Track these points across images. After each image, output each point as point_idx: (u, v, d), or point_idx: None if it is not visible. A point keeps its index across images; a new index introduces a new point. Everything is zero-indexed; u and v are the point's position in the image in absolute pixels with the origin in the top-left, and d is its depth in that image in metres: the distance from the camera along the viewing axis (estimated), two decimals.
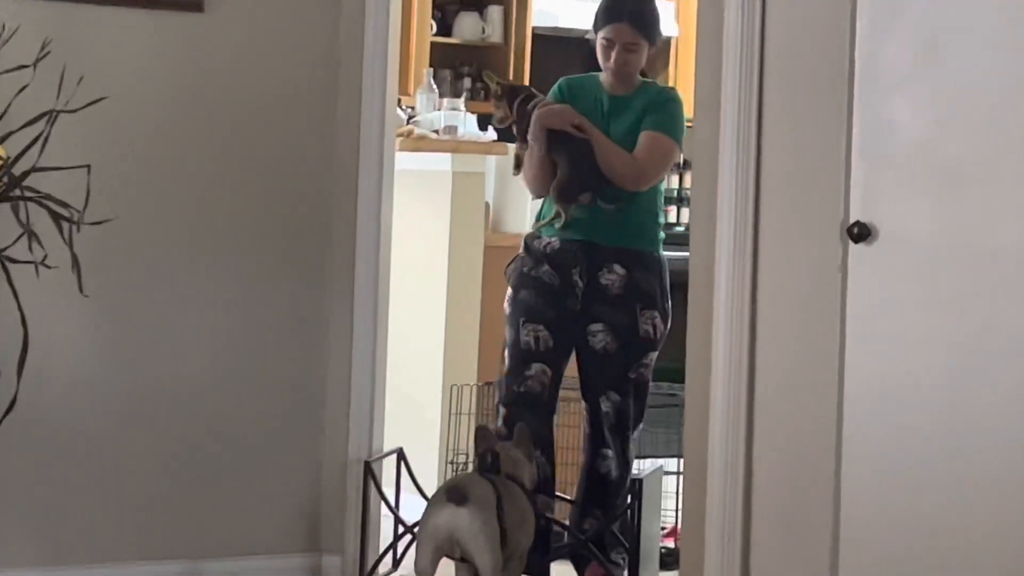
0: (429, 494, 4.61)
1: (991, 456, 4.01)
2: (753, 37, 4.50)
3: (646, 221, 5.13)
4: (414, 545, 4.53)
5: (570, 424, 5.52)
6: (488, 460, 4.55)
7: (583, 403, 5.20)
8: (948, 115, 4.16)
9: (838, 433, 4.31)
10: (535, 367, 5.04)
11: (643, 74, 5.21)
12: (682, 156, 5.28)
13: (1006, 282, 4.00)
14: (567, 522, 5.17)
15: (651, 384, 5.22)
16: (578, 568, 5.14)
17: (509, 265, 5.20)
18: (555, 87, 5.26)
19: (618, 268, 5.04)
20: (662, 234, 5.20)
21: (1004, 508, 3.97)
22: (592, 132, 5.08)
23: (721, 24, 4.54)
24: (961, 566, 4.06)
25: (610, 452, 5.11)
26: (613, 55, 5.07)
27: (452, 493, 4.33)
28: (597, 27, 5.13)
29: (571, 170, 5.09)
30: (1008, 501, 3.96)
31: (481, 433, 4.66)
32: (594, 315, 5.06)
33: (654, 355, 5.10)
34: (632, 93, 5.14)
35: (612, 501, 5.08)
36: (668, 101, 5.13)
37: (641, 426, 5.18)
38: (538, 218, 5.25)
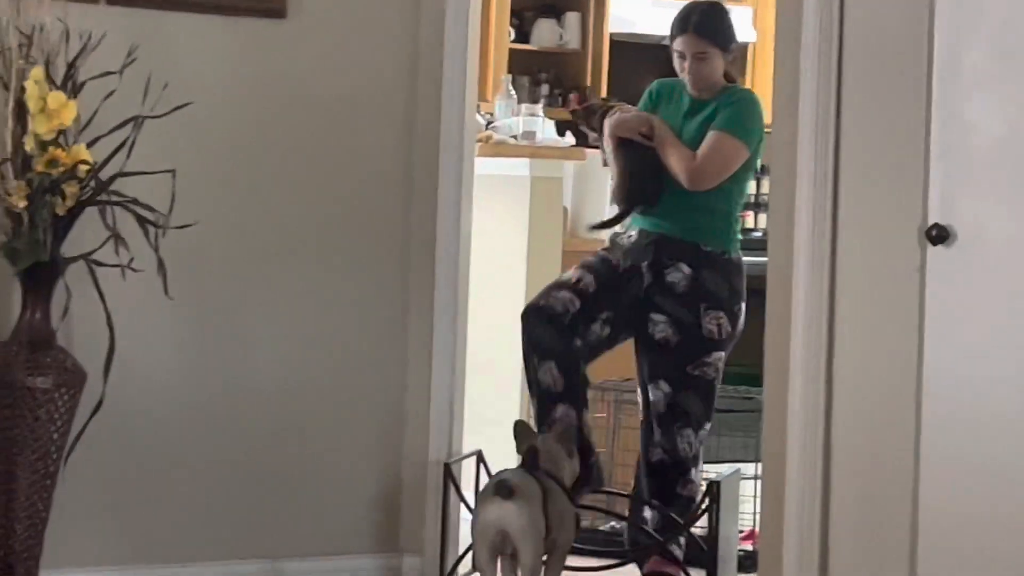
0: None
1: None
2: (831, 40, 4.51)
3: (716, 221, 5.12)
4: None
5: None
6: (528, 458, 4.57)
7: (639, 392, 5.22)
8: None
9: (916, 436, 4.31)
10: (565, 294, 5.07)
11: (731, 79, 5.25)
12: (759, 161, 5.27)
13: None
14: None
15: (729, 388, 5.23)
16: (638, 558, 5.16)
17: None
18: (647, 90, 5.34)
19: (684, 267, 5.06)
20: (738, 236, 5.20)
21: None
22: (660, 135, 5.12)
23: (799, 28, 4.55)
24: None
25: (658, 439, 5.13)
26: (685, 66, 5.14)
27: (500, 488, 4.37)
28: (671, 39, 5.20)
29: (629, 178, 5.16)
30: None
31: (520, 428, 4.70)
32: (657, 306, 5.07)
33: (719, 355, 5.08)
34: (711, 97, 5.16)
35: (665, 488, 5.11)
36: (738, 101, 5.13)
37: (708, 426, 5.15)
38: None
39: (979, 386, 4.21)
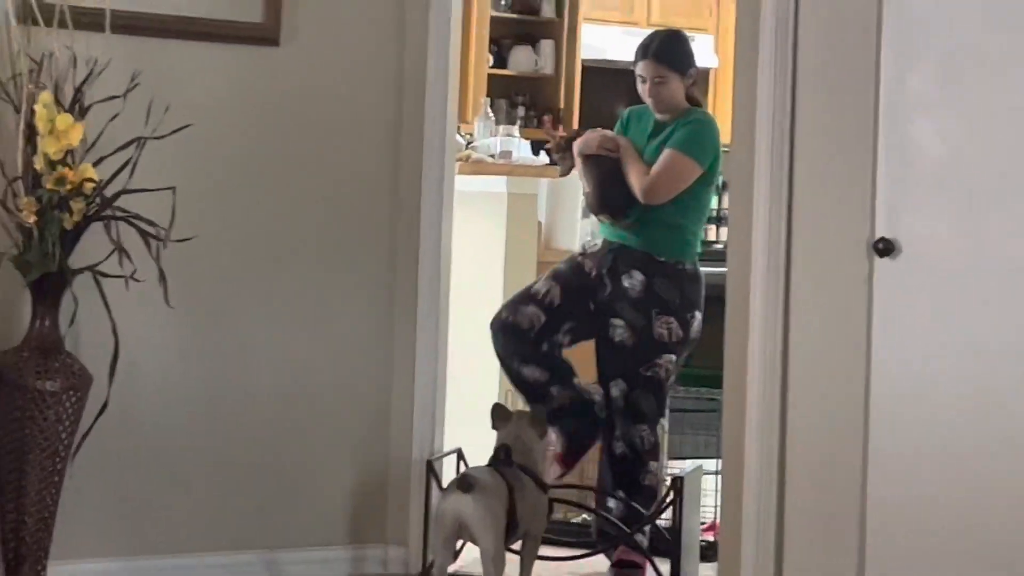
0: None
1: (1011, 457, 4.09)
2: (786, 66, 4.57)
3: (671, 233, 5.32)
4: None
5: None
6: (499, 455, 4.72)
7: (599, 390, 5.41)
8: (969, 137, 4.22)
9: (865, 434, 4.38)
10: (531, 309, 5.31)
11: (696, 102, 5.44)
12: (719, 178, 5.52)
13: (1021, 293, 4.10)
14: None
15: (691, 389, 5.45)
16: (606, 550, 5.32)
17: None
18: (620, 117, 5.56)
19: (637, 274, 5.27)
20: (697, 248, 5.36)
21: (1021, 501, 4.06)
22: (623, 152, 5.35)
23: (756, 56, 4.62)
24: (983, 559, 4.14)
25: (619, 434, 5.31)
26: (647, 89, 5.37)
27: (460, 482, 4.52)
28: (634, 64, 5.42)
29: (596, 189, 5.40)
30: None
31: (497, 411, 4.85)
32: (617, 311, 5.28)
33: (670, 358, 5.27)
34: (672, 119, 5.36)
35: (627, 479, 5.29)
36: (691, 122, 5.32)
37: (663, 421, 5.33)
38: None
39: (922, 387, 4.28)
